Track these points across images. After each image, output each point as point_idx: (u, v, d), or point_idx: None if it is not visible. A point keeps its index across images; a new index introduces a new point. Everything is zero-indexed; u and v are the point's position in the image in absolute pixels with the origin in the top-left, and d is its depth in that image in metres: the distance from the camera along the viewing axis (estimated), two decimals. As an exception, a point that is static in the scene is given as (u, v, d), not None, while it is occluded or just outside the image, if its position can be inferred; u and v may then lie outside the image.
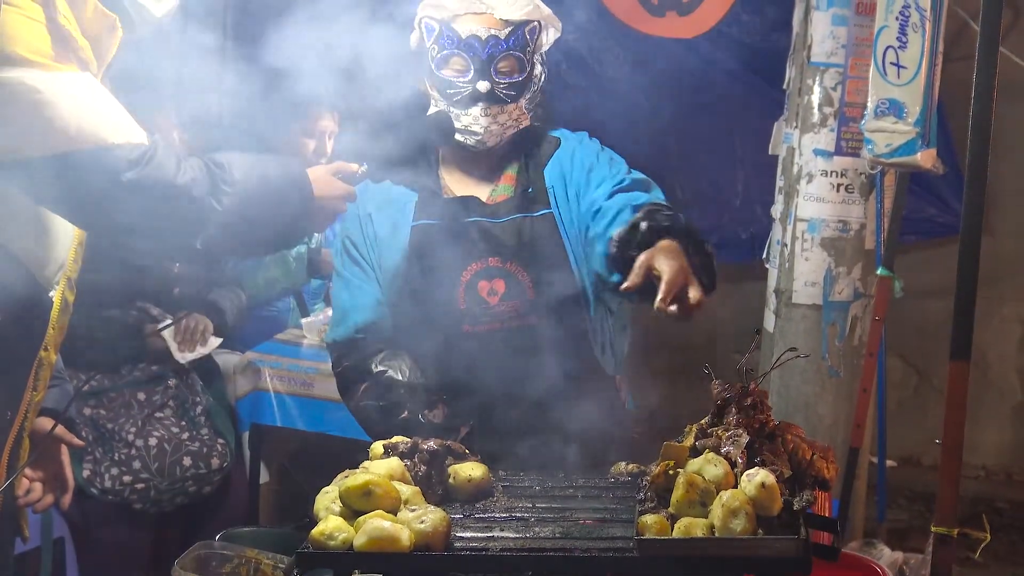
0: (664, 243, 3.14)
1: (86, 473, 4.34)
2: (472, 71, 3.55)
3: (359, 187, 3.46)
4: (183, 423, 4.55)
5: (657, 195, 3.62)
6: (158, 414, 4.51)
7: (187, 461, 4.47)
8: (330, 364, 3.86)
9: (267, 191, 2.96)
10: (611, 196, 3.57)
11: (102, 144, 2.67)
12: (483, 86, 3.55)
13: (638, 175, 3.71)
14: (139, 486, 4.39)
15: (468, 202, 3.70)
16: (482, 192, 3.72)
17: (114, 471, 4.37)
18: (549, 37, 3.72)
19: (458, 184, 3.75)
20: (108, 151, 2.68)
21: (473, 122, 3.58)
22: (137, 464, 4.38)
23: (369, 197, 3.68)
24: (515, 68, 3.59)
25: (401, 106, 3.71)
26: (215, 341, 4.85)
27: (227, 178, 2.86)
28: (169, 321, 4.60)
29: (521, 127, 3.68)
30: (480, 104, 3.57)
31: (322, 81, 5.21)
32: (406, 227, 3.68)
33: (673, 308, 2.99)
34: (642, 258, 3.10)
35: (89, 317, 4.33)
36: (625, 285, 3.10)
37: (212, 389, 4.86)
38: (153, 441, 4.43)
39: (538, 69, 3.68)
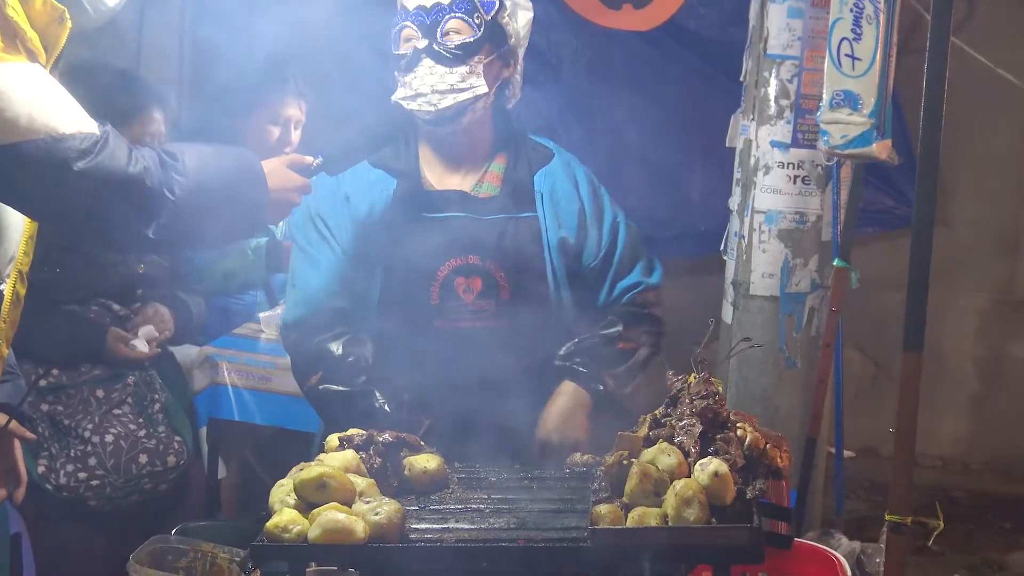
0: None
1: (41, 469, 4.31)
2: (419, 37, 3.57)
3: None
4: (140, 420, 4.52)
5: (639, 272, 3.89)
6: (116, 411, 4.47)
7: (143, 459, 4.44)
8: (288, 357, 3.85)
9: (221, 182, 2.96)
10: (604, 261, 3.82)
11: (53, 134, 2.66)
12: (422, 42, 3.56)
13: (627, 235, 3.88)
14: (94, 483, 4.35)
15: (451, 196, 3.71)
16: (465, 188, 3.72)
17: (69, 467, 4.33)
18: (519, 19, 3.71)
19: (437, 178, 3.75)
20: (59, 141, 2.67)
21: (420, 82, 3.57)
22: (93, 461, 4.35)
23: (346, 179, 3.67)
24: (462, 29, 3.59)
25: (376, 93, 3.72)
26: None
27: (180, 168, 2.86)
28: (137, 337, 4.57)
29: (478, 93, 3.63)
30: (424, 61, 3.57)
31: (288, 68, 5.19)
32: (384, 214, 3.67)
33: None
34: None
35: (48, 312, 4.30)
36: None
37: (171, 386, 4.83)
38: (109, 438, 4.40)
39: (502, 39, 3.66)
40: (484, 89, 3.63)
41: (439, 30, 3.56)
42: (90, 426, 4.38)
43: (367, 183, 3.70)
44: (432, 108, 3.58)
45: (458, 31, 3.58)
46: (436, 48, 3.56)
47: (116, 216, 2.82)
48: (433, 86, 3.56)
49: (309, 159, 3.28)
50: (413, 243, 3.61)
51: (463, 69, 3.59)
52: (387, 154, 3.71)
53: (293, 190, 3.20)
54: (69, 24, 2.83)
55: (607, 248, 3.79)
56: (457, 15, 3.58)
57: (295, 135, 5.33)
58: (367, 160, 3.67)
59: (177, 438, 4.58)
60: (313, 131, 5.39)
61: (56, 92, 2.75)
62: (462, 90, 3.59)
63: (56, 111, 2.70)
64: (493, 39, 3.64)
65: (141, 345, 4.54)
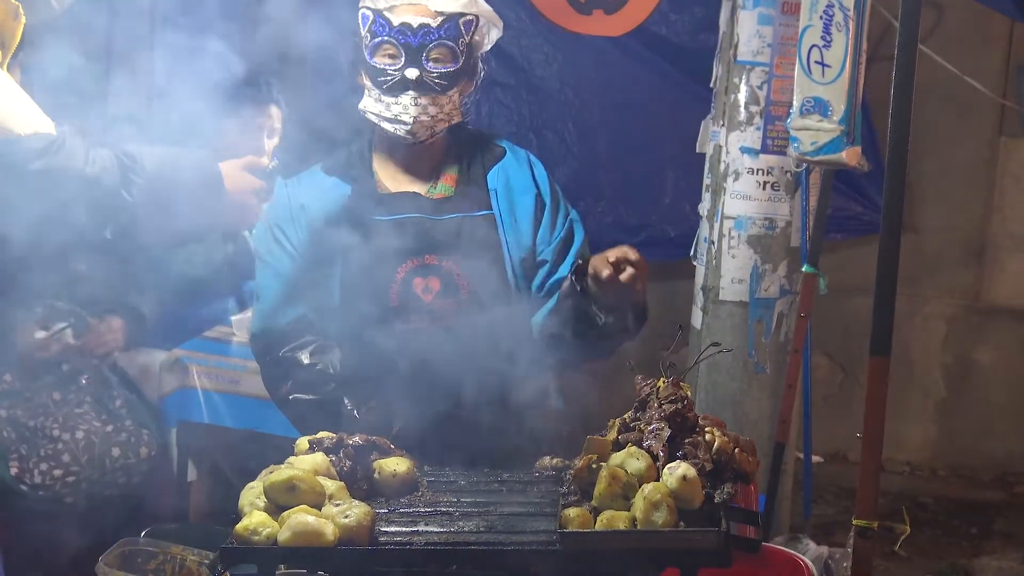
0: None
1: (14, 471, 4.29)
2: (403, 58, 3.57)
3: (292, 178, 3.52)
4: (104, 417, 4.51)
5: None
6: (77, 410, 4.46)
7: (116, 452, 4.44)
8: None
9: (178, 184, 2.98)
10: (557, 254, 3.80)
11: (9, 135, 2.67)
12: (412, 73, 3.56)
13: (582, 235, 3.88)
14: (70, 479, 4.34)
15: (406, 198, 3.71)
16: (420, 189, 3.73)
17: (43, 466, 4.32)
18: (491, 36, 3.75)
19: (392, 180, 3.75)
20: (15, 142, 2.68)
21: (403, 111, 3.60)
22: (67, 457, 4.34)
23: (302, 188, 3.70)
24: (447, 58, 3.60)
25: (335, 98, 3.73)
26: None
27: (138, 169, 2.88)
28: (63, 324, 4.55)
29: (453, 122, 3.69)
30: (410, 92, 3.58)
31: (262, 75, 5.17)
32: (340, 220, 3.67)
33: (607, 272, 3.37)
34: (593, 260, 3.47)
35: None
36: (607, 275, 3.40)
37: (126, 384, 4.82)
38: (80, 434, 4.39)
39: (474, 64, 3.70)
40: (460, 117, 3.72)
41: (424, 55, 3.58)
42: (56, 425, 4.37)
43: (322, 190, 3.71)
44: (410, 137, 3.64)
45: (443, 59, 3.60)
46: (424, 79, 3.58)
47: (73, 216, 2.83)
48: (415, 117, 3.60)
49: (264, 161, 3.31)
50: (370, 247, 3.62)
51: (444, 100, 3.63)
52: (341, 160, 3.74)
53: (250, 192, 3.22)
54: (24, 19, 2.84)
55: (562, 239, 3.81)
56: (444, 42, 3.59)
57: (269, 144, 5.30)
58: (321, 167, 3.73)
59: (145, 431, 4.57)
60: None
61: (12, 92, 2.76)
62: (441, 120, 3.66)
63: (12, 111, 2.71)
64: (468, 62, 3.67)
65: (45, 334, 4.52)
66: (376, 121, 3.64)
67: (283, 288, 3.71)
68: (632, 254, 3.40)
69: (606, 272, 3.38)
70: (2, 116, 2.67)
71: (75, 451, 4.34)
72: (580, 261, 3.60)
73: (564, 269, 3.74)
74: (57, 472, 4.32)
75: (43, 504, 4.34)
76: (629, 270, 3.37)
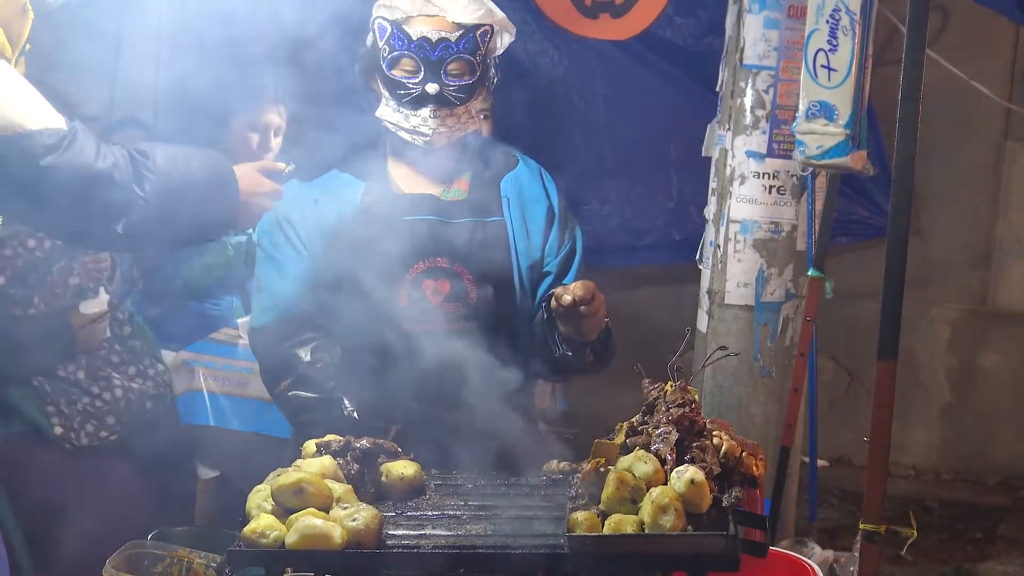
0: None
1: (58, 431, 4.34)
2: (422, 72, 3.58)
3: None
4: (117, 347, 4.53)
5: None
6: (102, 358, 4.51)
7: (149, 404, 4.52)
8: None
9: (191, 182, 2.99)
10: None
11: (19, 130, 2.68)
12: (432, 88, 3.58)
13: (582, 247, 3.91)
14: (113, 438, 4.42)
15: (420, 199, 3.72)
16: (434, 192, 3.74)
17: (89, 427, 4.37)
18: (503, 41, 3.76)
19: (406, 181, 3.76)
20: (26, 137, 2.69)
21: (422, 123, 3.61)
22: (112, 419, 4.41)
23: (314, 183, 3.71)
24: (465, 71, 3.61)
25: (351, 100, 3.74)
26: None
27: (150, 166, 2.88)
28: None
29: (470, 130, 3.70)
30: (429, 105, 3.59)
31: (268, 74, 5.21)
32: (352, 218, 3.68)
33: (567, 298, 3.35)
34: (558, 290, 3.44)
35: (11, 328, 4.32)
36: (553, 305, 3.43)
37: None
38: (119, 393, 4.45)
39: (490, 73, 3.71)
40: (476, 125, 3.74)
41: (443, 70, 3.59)
42: (81, 372, 4.40)
43: (335, 187, 3.72)
44: (428, 143, 3.67)
45: (462, 72, 3.62)
46: (443, 93, 3.59)
47: (84, 211, 2.84)
48: (435, 129, 3.62)
49: (281, 165, 3.31)
50: (382, 246, 3.62)
51: (462, 110, 3.66)
52: (355, 158, 3.74)
53: (264, 195, 3.23)
54: (32, 15, 2.85)
55: (567, 252, 3.84)
56: (463, 55, 3.60)
57: (275, 142, 5.32)
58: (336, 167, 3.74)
59: (159, 365, 4.66)
60: (288, 138, 5.40)
61: (22, 87, 2.76)
62: (459, 129, 3.69)
63: (22, 107, 2.71)
64: (484, 71, 3.68)
65: (99, 304, 4.54)
66: (394, 130, 3.66)
67: (288, 282, 3.71)
68: (582, 290, 3.39)
69: (567, 297, 3.38)
70: (11, 111, 2.68)
71: (118, 411, 4.41)
72: (553, 290, 3.61)
73: (567, 282, 3.75)
74: (103, 434, 4.40)
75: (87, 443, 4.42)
76: (567, 298, 3.37)
